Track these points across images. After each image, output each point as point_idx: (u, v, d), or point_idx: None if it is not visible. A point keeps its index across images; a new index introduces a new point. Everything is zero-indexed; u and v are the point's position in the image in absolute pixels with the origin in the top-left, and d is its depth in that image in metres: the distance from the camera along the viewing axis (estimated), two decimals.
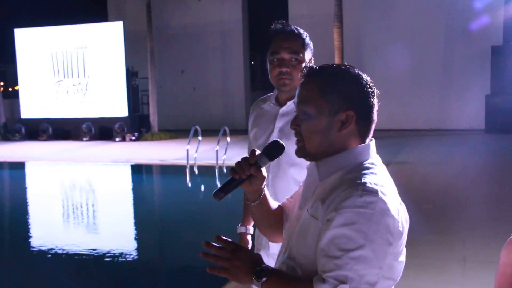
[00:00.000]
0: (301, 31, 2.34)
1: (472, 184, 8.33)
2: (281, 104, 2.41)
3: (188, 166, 10.62)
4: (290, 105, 2.33)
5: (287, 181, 2.31)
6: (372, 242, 1.28)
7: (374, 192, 1.31)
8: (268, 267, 1.39)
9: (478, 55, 15.27)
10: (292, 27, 2.33)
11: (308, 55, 2.32)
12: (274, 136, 2.31)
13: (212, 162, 10.67)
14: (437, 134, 14.77)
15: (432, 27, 15.74)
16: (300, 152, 1.49)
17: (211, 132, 13.88)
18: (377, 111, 1.46)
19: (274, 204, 1.68)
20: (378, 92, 1.46)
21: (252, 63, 20.20)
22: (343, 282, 1.25)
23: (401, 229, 1.36)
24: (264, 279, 1.37)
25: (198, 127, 11.29)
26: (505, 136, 13.33)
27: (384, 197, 1.32)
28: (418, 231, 4.89)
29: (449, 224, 6.00)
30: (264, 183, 1.59)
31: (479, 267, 4.60)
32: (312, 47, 2.36)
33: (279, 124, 2.37)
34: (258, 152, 1.54)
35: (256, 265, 1.40)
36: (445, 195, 7.56)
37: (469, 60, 15.47)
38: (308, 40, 2.33)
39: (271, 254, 2.29)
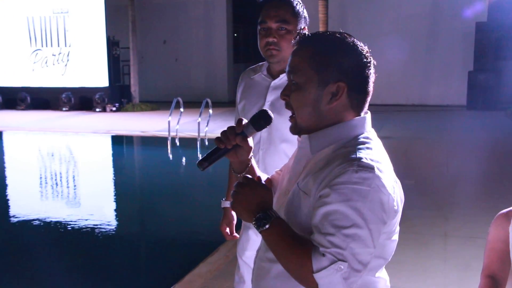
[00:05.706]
0: None
1: (454, 160, 8.38)
2: (273, 76, 2.31)
3: (170, 137, 10.53)
4: (283, 78, 2.22)
5: (278, 156, 2.23)
6: (367, 220, 1.22)
7: (370, 168, 1.25)
8: (273, 215, 1.29)
9: (462, 32, 15.26)
10: None
11: (300, 23, 2.21)
12: None
13: (194, 134, 10.61)
14: (420, 109, 14.82)
15: (417, 3, 15.66)
16: (293, 129, 1.40)
17: (193, 104, 13.75)
18: (374, 83, 1.39)
19: (262, 176, 1.61)
20: (375, 63, 1.39)
21: (235, 35, 19.92)
22: (340, 260, 1.20)
23: (395, 207, 1.31)
24: (266, 226, 1.28)
25: (180, 99, 11.17)
26: (486, 113, 13.43)
27: (380, 174, 1.25)
28: None
29: (431, 200, 6.03)
30: (251, 154, 1.52)
31: (460, 242, 4.64)
32: (306, 15, 2.24)
33: (270, 97, 2.27)
34: (245, 121, 1.47)
35: (263, 207, 1.31)
36: (427, 171, 7.60)
37: (453, 36, 15.46)
38: (300, 8, 2.21)
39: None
